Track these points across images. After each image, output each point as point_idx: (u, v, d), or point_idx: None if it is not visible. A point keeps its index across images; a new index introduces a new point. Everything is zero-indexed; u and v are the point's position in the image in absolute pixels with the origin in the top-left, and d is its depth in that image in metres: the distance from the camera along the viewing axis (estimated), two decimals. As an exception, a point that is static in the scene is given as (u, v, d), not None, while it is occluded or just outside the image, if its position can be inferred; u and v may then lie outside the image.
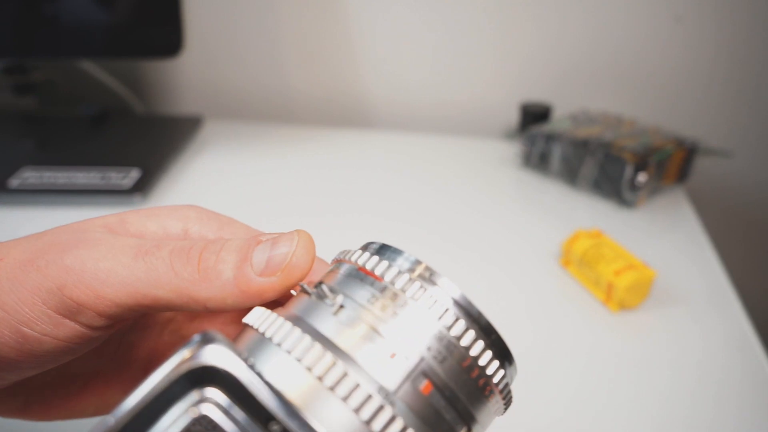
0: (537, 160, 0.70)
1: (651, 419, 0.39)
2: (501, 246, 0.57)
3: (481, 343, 0.17)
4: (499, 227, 0.61)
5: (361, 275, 0.18)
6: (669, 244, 0.59)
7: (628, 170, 0.61)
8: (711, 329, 0.48)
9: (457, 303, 0.17)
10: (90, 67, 0.81)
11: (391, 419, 0.15)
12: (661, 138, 0.67)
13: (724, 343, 0.46)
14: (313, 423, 0.14)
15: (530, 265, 0.54)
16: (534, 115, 0.76)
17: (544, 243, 0.57)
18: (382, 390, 0.15)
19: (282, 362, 0.16)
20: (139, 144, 0.71)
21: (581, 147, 0.65)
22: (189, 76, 0.86)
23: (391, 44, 0.82)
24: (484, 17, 0.79)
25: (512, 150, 0.76)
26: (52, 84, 0.79)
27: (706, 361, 0.45)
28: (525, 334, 0.46)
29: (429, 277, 0.17)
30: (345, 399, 0.15)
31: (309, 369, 0.15)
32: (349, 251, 0.19)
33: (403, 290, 0.17)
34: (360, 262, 0.18)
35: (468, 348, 0.17)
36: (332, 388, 0.15)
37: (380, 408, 0.15)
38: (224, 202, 0.63)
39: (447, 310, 0.17)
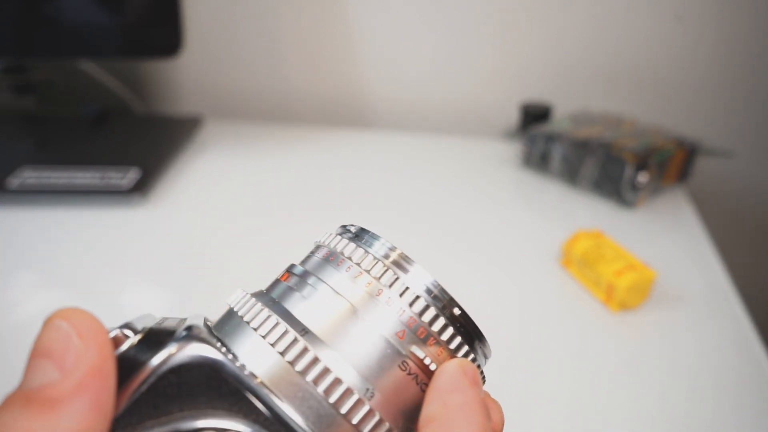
0: (537, 160, 0.70)
1: (651, 419, 0.39)
2: (501, 246, 0.57)
3: (450, 329, 0.17)
4: (500, 227, 0.61)
5: (337, 259, 0.18)
6: (669, 244, 0.59)
7: (629, 170, 0.61)
8: (711, 329, 0.48)
9: (428, 290, 0.17)
10: (90, 67, 0.81)
11: (358, 402, 0.15)
12: (662, 138, 0.67)
13: (724, 343, 0.46)
14: (283, 404, 0.15)
15: (530, 266, 0.54)
16: (534, 115, 0.76)
17: (544, 243, 0.57)
18: (353, 374, 0.16)
19: (256, 345, 0.16)
20: (138, 144, 0.71)
21: (581, 147, 0.65)
22: (189, 76, 0.86)
23: (391, 44, 0.82)
24: (484, 17, 0.79)
25: (512, 150, 0.76)
26: (52, 84, 0.79)
27: (707, 361, 0.44)
28: (525, 334, 0.46)
29: (403, 264, 0.18)
30: (315, 382, 0.15)
31: (281, 354, 0.16)
32: (328, 234, 0.19)
33: (377, 277, 0.17)
34: (338, 248, 0.18)
35: (438, 332, 0.17)
36: (303, 373, 0.15)
37: (348, 391, 0.15)
38: (224, 202, 0.63)
39: (418, 297, 0.17)
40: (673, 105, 0.81)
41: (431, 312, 0.17)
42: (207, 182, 0.66)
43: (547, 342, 0.46)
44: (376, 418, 0.16)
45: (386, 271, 0.17)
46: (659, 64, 0.79)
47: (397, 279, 0.17)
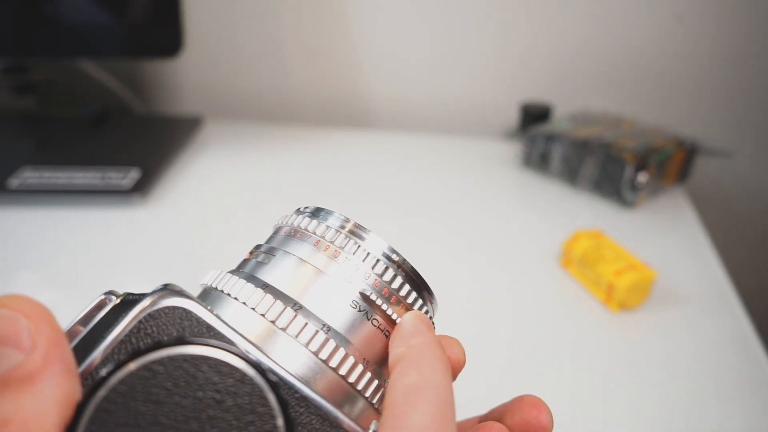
0: (537, 160, 0.70)
1: (651, 419, 0.39)
2: (501, 246, 0.57)
3: (400, 279, 0.20)
4: (500, 227, 0.61)
5: (297, 233, 0.21)
6: (669, 244, 0.59)
7: (629, 170, 0.61)
8: (711, 329, 0.48)
9: (383, 252, 0.20)
10: (90, 67, 0.81)
11: (316, 333, 0.18)
12: (662, 138, 0.67)
13: (724, 343, 0.46)
14: (270, 354, 0.17)
15: (530, 266, 0.54)
16: (534, 115, 0.76)
17: (544, 243, 0.57)
18: (311, 314, 0.19)
19: (238, 311, 0.19)
20: (139, 144, 0.71)
21: (581, 147, 0.65)
22: (189, 76, 0.86)
23: (391, 44, 0.82)
24: (485, 17, 0.79)
25: (512, 150, 0.76)
26: (52, 84, 0.79)
27: (706, 361, 0.44)
28: (525, 334, 0.46)
29: (358, 233, 0.21)
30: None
31: (261, 314, 0.18)
32: (286, 216, 0.22)
33: (334, 242, 0.20)
34: (296, 224, 0.21)
35: (389, 282, 0.20)
36: (283, 327, 0.18)
37: (316, 333, 0.18)
38: (224, 202, 0.63)
39: (369, 254, 0.20)
40: (673, 105, 0.81)
41: (381, 265, 0.20)
42: (207, 182, 0.66)
43: (547, 342, 0.46)
44: (332, 345, 0.18)
45: (343, 237, 0.20)
46: (659, 64, 0.79)
47: (351, 242, 0.20)
